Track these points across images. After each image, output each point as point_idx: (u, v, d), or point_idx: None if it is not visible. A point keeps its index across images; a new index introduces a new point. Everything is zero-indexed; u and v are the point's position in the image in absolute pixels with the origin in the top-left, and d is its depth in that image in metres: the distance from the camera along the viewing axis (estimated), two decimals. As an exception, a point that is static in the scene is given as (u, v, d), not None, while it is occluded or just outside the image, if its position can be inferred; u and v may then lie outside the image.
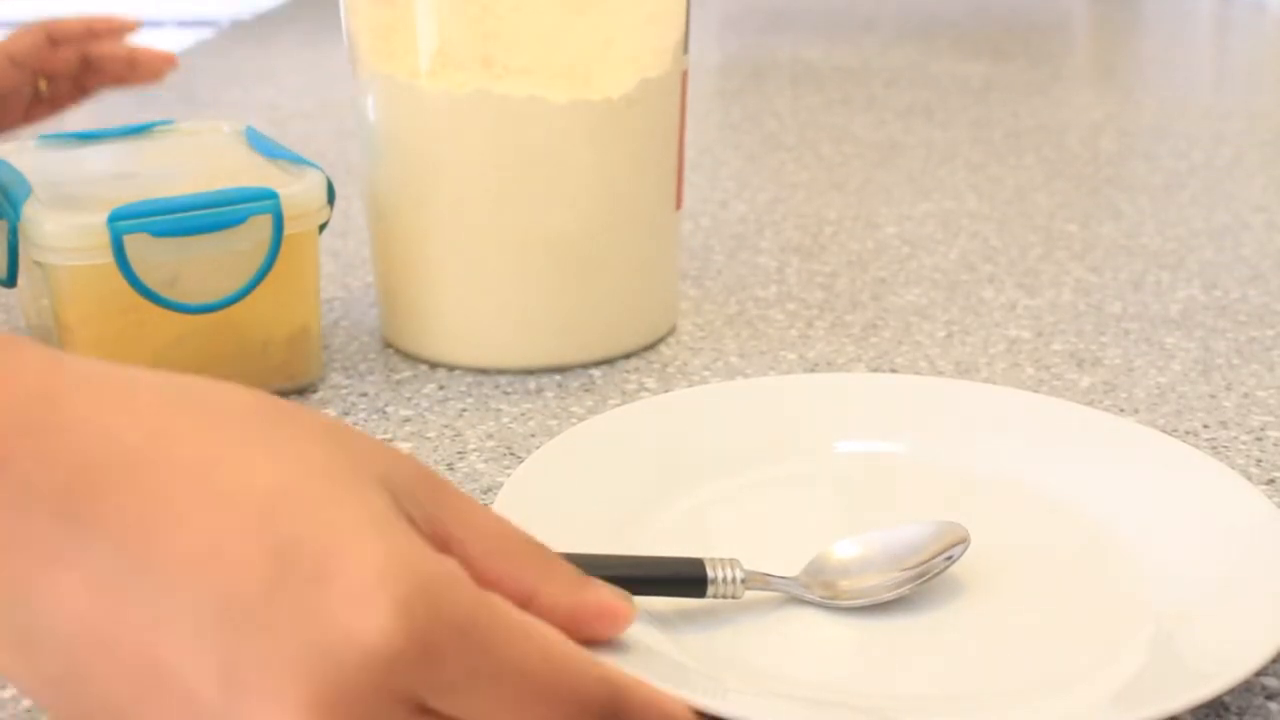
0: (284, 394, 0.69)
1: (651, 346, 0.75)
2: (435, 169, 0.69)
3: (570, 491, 0.55)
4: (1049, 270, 0.87)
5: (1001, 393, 0.64)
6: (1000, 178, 1.07)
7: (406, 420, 0.67)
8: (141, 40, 1.14)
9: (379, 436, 0.65)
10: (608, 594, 0.42)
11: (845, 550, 0.52)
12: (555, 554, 0.41)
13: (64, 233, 0.62)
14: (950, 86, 1.41)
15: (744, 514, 0.57)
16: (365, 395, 0.69)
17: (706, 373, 0.72)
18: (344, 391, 0.70)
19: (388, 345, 0.75)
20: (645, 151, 0.71)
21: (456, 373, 0.72)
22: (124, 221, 0.62)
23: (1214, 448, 0.63)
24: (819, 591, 0.51)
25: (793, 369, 0.72)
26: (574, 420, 0.66)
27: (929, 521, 0.52)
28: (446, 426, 0.66)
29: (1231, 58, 1.72)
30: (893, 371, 0.72)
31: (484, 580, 0.37)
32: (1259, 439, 0.64)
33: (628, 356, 0.73)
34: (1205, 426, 0.66)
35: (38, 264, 0.63)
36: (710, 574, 0.49)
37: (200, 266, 0.64)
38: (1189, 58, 1.67)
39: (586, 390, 0.69)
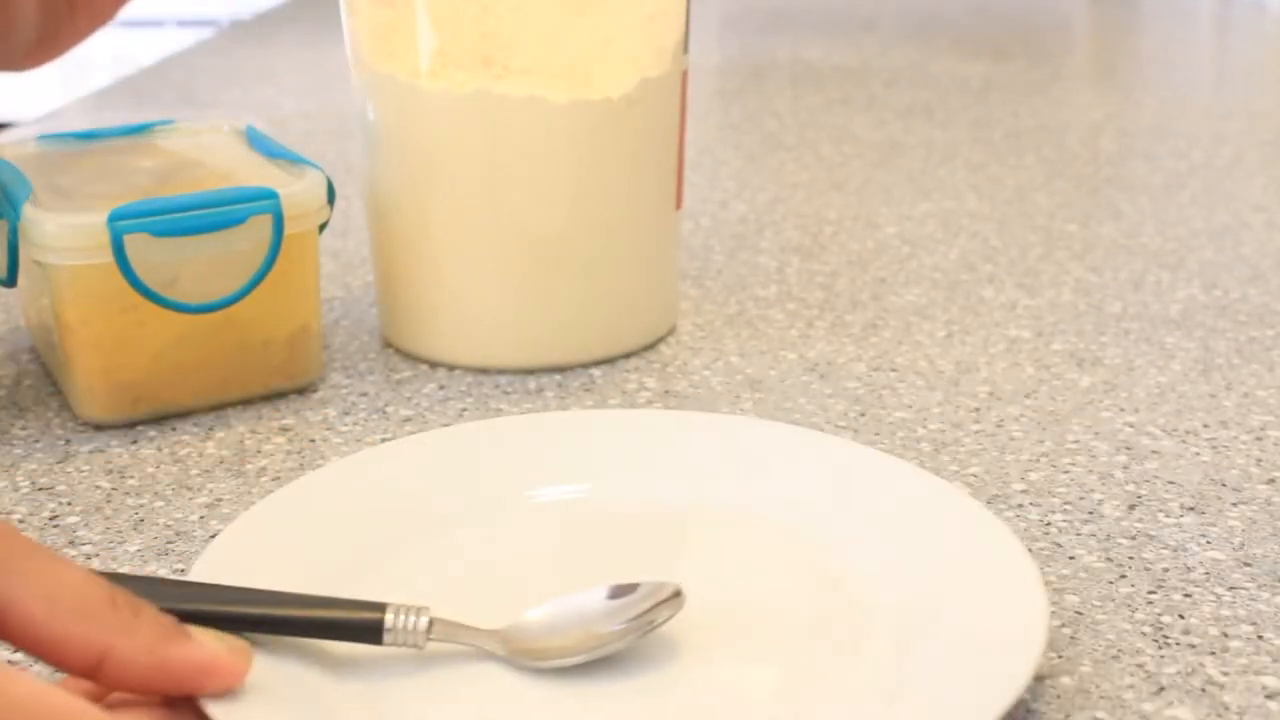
0: (284, 394, 0.69)
1: (652, 346, 0.75)
2: (435, 168, 0.69)
3: (272, 558, 0.51)
4: (1049, 270, 0.87)
5: (713, 421, 0.61)
6: (1000, 178, 1.07)
7: (407, 420, 0.67)
8: (140, 37, 1.14)
9: (379, 437, 0.65)
10: (206, 649, 0.40)
11: (545, 609, 0.48)
12: (149, 610, 0.39)
13: (64, 232, 0.62)
14: (950, 86, 1.41)
15: (456, 568, 0.53)
16: (365, 395, 0.69)
17: (707, 372, 0.72)
18: (344, 391, 0.70)
19: (388, 345, 0.75)
20: (645, 151, 0.71)
21: (457, 372, 0.72)
22: (124, 221, 0.62)
23: (1214, 447, 0.64)
24: (513, 648, 0.47)
25: (793, 369, 0.72)
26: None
27: (641, 582, 0.48)
28: (447, 426, 0.66)
29: (1231, 58, 1.72)
30: (892, 371, 0.72)
31: (48, 642, 0.37)
32: (1259, 439, 0.64)
33: (628, 356, 0.73)
34: (1205, 426, 0.66)
35: (37, 264, 0.63)
36: (389, 620, 0.46)
37: (200, 266, 0.64)
38: (1189, 58, 1.67)
39: (586, 390, 0.70)
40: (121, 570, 0.55)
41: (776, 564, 0.53)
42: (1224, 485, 0.60)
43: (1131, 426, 0.66)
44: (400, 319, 0.73)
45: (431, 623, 0.47)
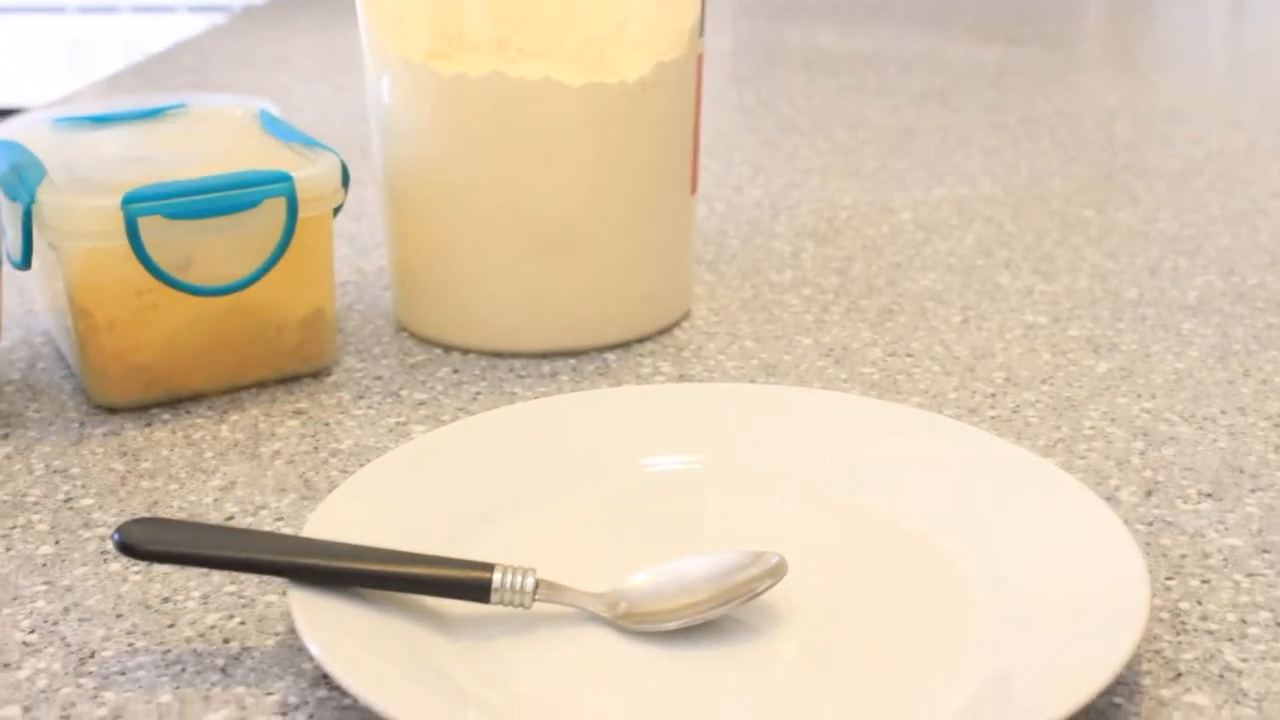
0: (298, 377, 0.69)
1: (666, 331, 0.74)
2: (449, 152, 0.69)
3: (390, 510, 0.53)
4: (1065, 256, 0.86)
5: (827, 398, 0.61)
6: (1015, 163, 1.07)
7: (421, 404, 0.66)
8: (151, 23, 1.14)
9: (393, 420, 0.65)
10: None
11: (649, 575, 0.49)
12: None
13: (78, 215, 0.62)
14: (965, 71, 1.40)
15: (563, 534, 0.54)
16: (379, 378, 0.69)
17: (721, 357, 0.71)
18: (358, 375, 0.70)
19: (402, 329, 0.75)
20: (660, 135, 0.71)
21: (471, 356, 0.71)
22: (138, 204, 0.62)
23: (1232, 434, 0.63)
24: (617, 611, 0.48)
25: (808, 354, 0.72)
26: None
27: (743, 551, 0.49)
28: (461, 410, 0.66)
29: (1247, 42, 1.71)
30: (908, 356, 0.71)
31: None
32: (1277, 425, 0.64)
33: (642, 341, 0.73)
34: (1223, 413, 0.65)
35: (51, 247, 0.63)
36: (497, 580, 0.47)
37: (214, 249, 0.64)
38: (1205, 42, 1.66)
39: (601, 374, 0.69)
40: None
41: (882, 540, 0.54)
42: (1242, 472, 0.60)
43: (1149, 413, 0.65)
44: (415, 303, 0.73)
45: (538, 584, 0.48)
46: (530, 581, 0.48)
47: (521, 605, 0.48)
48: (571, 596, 0.48)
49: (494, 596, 0.47)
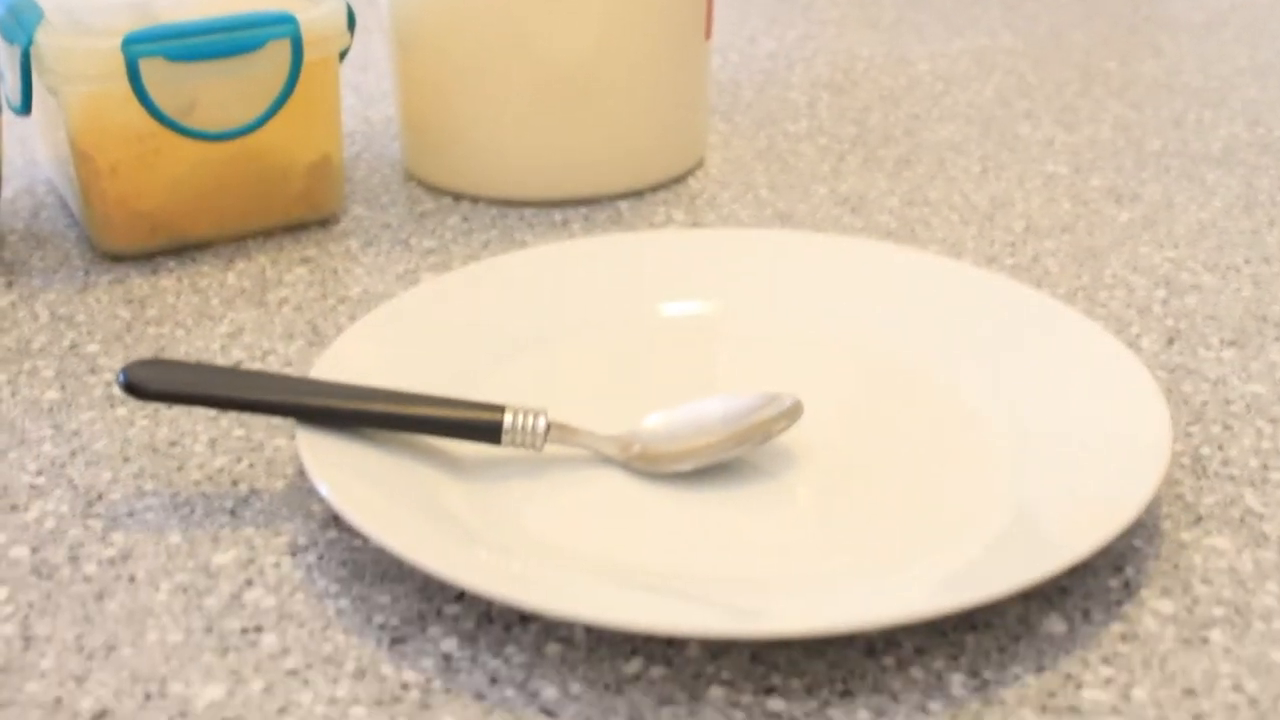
0: (305, 225, 0.68)
1: (679, 180, 0.73)
2: (458, -6, 0.67)
3: (399, 353, 0.52)
4: (1087, 107, 0.84)
5: (844, 243, 0.60)
6: (1036, 15, 1.04)
7: (430, 251, 0.65)
8: None
9: (402, 267, 0.64)
10: None
11: (664, 416, 0.48)
12: None
13: (77, 57, 0.60)
14: (985, -76, 1.37)
15: (575, 378, 0.53)
16: (388, 227, 0.68)
17: (736, 205, 0.70)
18: (366, 223, 0.68)
19: (410, 178, 0.74)
20: (674, -23, 0.69)
21: (481, 205, 0.70)
22: (139, 45, 0.60)
23: (1256, 283, 0.62)
24: (630, 453, 0.48)
25: (824, 202, 0.70)
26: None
27: (759, 393, 0.48)
28: (470, 257, 0.65)
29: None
30: (926, 206, 0.70)
31: None
32: (1302, 274, 0.63)
33: (655, 190, 0.72)
34: (1246, 262, 0.64)
35: (51, 91, 0.61)
36: (508, 421, 0.47)
37: (218, 93, 0.62)
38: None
39: (613, 222, 0.68)
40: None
41: (900, 384, 0.53)
42: (1265, 320, 0.59)
43: (1171, 262, 0.64)
44: (424, 150, 0.72)
45: (549, 425, 0.47)
46: (542, 423, 0.47)
47: (533, 447, 0.47)
48: (583, 438, 0.48)
49: (505, 438, 0.47)
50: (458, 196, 0.71)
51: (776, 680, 0.39)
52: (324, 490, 0.43)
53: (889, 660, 0.40)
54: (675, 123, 0.72)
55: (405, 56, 0.70)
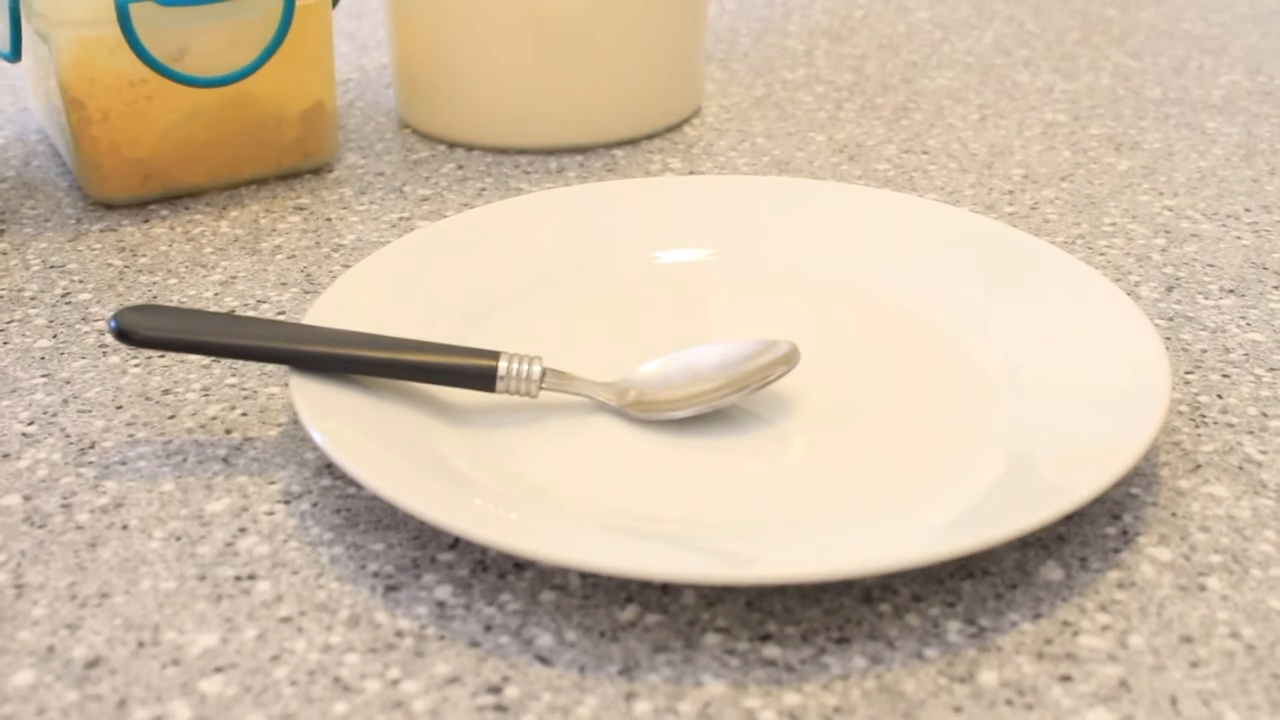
0: (299, 173, 0.67)
1: (676, 128, 0.72)
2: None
3: (393, 301, 0.51)
4: (1086, 55, 0.84)
5: (841, 190, 0.59)
6: (1037, -38, 1.03)
7: (424, 199, 0.65)
8: None
9: (396, 215, 0.63)
10: None
11: (660, 363, 0.48)
12: None
13: (68, 2, 0.59)
14: None
15: (570, 325, 0.53)
16: (382, 175, 0.67)
17: (733, 153, 0.69)
18: (360, 171, 0.68)
19: (405, 126, 0.73)
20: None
21: (475, 153, 0.70)
22: (129, -11, 0.59)
23: (1255, 231, 0.62)
24: (626, 400, 0.47)
25: (821, 150, 0.70)
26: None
27: (755, 340, 0.48)
28: (465, 205, 0.64)
29: None
30: (924, 154, 0.69)
31: None
32: (1302, 222, 0.63)
33: (651, 137, 0.71)
34: (1247, 210, 0.64)
35: (41, 37, 0.61)
36: (503, 368, 0.46)
37: (210, 39, 0.62)
38: None
39: (609, 170, 0.68)
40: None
41: (897, 331, 0.52)
42: (1265, 268, 0.59)
43: (1170, 210, 0.64)
44: (418, 98, 0.71)
45: (544, 372, 0.47)
46: (537, 369, 0.47)
47: (528, 394, 0.47)
48: (579, 385, 0.47)
49: (500, 385, 0.46)
50: (452, 145, 0.70)
51: (772, 627, 0.39)
52: (318, 438, 0.42)
53: (885, 607, 0.40)
54: (672, 71, 0.71)
55: (400, 4, 0.70)
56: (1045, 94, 0.78)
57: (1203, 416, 0.49)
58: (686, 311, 0.54)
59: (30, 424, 0.49)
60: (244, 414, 0.49)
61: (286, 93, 0.65)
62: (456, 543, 0.42)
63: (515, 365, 0.46)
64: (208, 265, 0.59)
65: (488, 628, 0.39)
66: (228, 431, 0.48)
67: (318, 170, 0.68)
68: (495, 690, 0.37)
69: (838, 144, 0.71)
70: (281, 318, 0.55)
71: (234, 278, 0.58)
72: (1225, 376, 0.51)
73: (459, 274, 0.54)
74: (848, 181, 0.66)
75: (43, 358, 0.53)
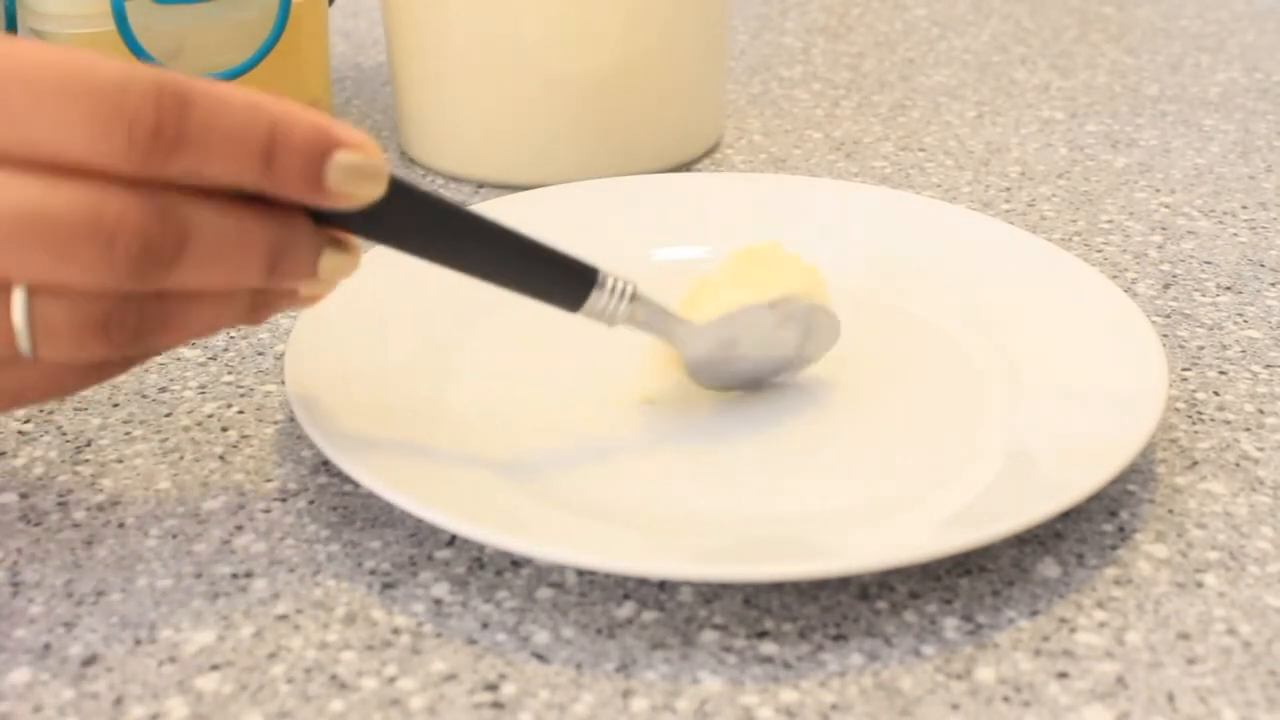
0: (295, 171, 0.67)
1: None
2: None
3: (384, 299, 0.51)
4: (1083, 52, 0.84)
5: (839, 187, 0.59)
6: (1034, -40, 1.03)
7: (421, 197, 0.65)
8: None
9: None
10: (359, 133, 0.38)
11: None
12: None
13: (63, -1, 0.59)
14: None
15: (565, 322, 0.49)
16: (378, 173, 0.67)
17: (729, 150, 0.69)
18: (357, 169, 0.68)
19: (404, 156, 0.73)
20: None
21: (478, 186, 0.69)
22: (125, -13, 0.59)
23: (1252, 228, 0.62)
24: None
25: (818, 147, 0.70)
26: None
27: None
28: (463, 203, 0.64)
29: None
30: (920, 151, 0.69)
31: (226, 117, 0.36)
32: (1299, 219, 0.63)
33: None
34: (1244, 207, 0.64)
35: (36, 34, 0.61)
36: (600, 279, 0.42)
37: (206, 36, 0.62)
38: None
39: (606, 168, 0.67)
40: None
41: (895, 329, 0.52)
42: (1262, 265, 0.59)
43: (1167, 207, 0.64)
44: (419, 137, 0.68)
45: (636, 295, 0.43)
46: (630, 288, 0.43)
47: (611, 321, 0.43)
48: (668, 321, 0.45)
49: (591, 300, 0.43)
50: (450, 178, 0.68)
51: (769, 624, 0.39)
52: (314, 435, 0.42)
53: (882, 604, 0.40)
54: (689, 119, 0.67)
55: (399, 44, 0.68)
56: (1042, 91, 0.78)
57: (1200, 413, 0.49)
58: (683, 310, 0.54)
59: (26, 421, 0.49)
60: (240, 411, 0.49)
61: (282, 91, 0.64)
62: (453, 540, 0.42)
63: (614, 281, 0.43)
64: (204, 263, 0.59)
65: (484, 625, 0.39)
66: (224, 429, 0.48)
67: (314, 168, 0.67)
68: (492, 687, 0.37)
69: (834, 141, 0.71)
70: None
71: (230, 275, 0.58)
72: (1222, 373, 0.51)
73: (452, 273, 0.54)
74: (844, 179, 0.66)
75: (39, 356, 0.53)
